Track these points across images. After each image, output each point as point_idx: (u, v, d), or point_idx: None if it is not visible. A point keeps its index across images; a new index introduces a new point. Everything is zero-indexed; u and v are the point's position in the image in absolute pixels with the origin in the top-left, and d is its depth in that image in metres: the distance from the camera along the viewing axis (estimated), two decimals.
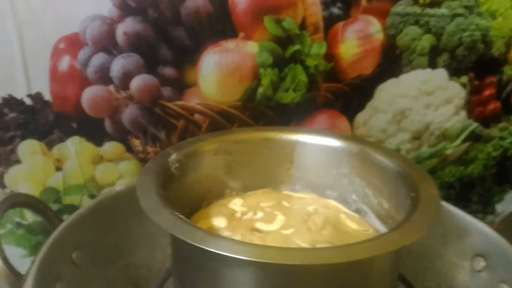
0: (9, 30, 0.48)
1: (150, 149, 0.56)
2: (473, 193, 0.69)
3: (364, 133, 0.62)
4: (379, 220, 0.37)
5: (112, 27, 0.50)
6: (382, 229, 0.36)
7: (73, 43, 0.50)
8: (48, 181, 0.55)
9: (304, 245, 0.30)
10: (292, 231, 0.31)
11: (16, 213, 0.55)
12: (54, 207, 0.56)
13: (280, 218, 0.33)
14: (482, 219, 0.71)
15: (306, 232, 0.31)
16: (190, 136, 0.56)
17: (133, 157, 0.56)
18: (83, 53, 0.51)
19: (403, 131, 0.63)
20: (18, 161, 0.53)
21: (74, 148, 0.54)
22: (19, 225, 0.56)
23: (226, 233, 0.32)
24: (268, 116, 0.57)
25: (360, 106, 0.60)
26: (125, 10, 0.50)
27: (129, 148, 0.56)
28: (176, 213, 0.27)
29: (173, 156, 0.34)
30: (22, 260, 0.57)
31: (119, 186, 0.40)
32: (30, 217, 0.55)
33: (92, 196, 0.57)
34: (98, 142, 0.55)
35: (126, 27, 0.50)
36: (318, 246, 0.30)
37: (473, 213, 0.70)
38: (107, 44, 0.51)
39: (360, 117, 0.61)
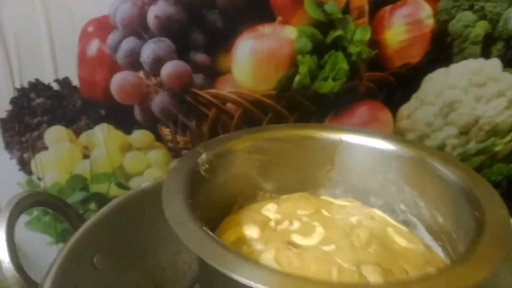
0: (36, 13, 0.46)
1: (179, 138, 0.54)
2: None
3: (408, 126, 0.58)
4: (431, 235, 0.33)
5: (143, 10, 0.48)
6: (434, 245, 0.32)
7: (102, 26, 0.48)
8: (75, 168, 0.54)
9: (347, 266, 0.26)
10: (333, 247, 0.28)
11: None
12: (81, 195, 0.55)
13: (319, 231, 0.29)
14: None
15: (349, 249, 0.28)
16: (221, 125, 0.54)
17: (162, 146, 0.55)
18: (112, 37, 0.49)
19: (450, 125, 0.59)
20: (45, 148, 0.52)
21: (102, 135, 0.53)
22: (45, 212, 0.55)
23: (258, 246, 0.28)
24: (304, 106, 0.54)
25: (405, 98, 0.56)
26: None
27: (158, 137, 0.54)
28: (205, 228, 0.24)
29: (203, 156, 0.31)
30: (48, 248, 0.56)
31: (146, 183, 0.37)
32: None
33: (119, 185, 0.56)
34: (127, 130, 0.53)
35: (158, 9, 0.48)
36: (363, 267, 0.26)
37: None
38: (138, 27, 0.48)
39: (405, 109, 0.57)
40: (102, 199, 0.56)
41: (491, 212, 0.26)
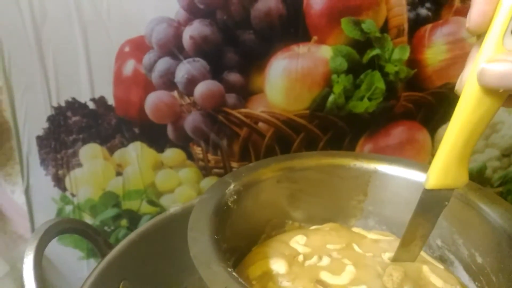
0: (74, 32, 0.47)
1: (211, 157, 0.54)
2: None
3: None
4: (468, 275, 0.31)
5: (179, 30, 0.48)
6: (471, 285, 0.30)
7: (138, 46, 0.49)
8: (108, 185, 0.55)
9: None
10: None
11: (74, 214, 0.55)
12: (113, 211, 0.56)
13: (349, 270, 0.28)
14: None
15: None
16: (252, 145, 0.53)
17: (194, 164, 0.55)
18: (148, 57, 0.49)
19: (492, 147, 0.58)
20: (79, 165, 0.53)
21: (136, 153, 0.53)
22: None
23: (285, 283, 0.28)
24: (338, 126, 0.53)
25: (444, 118, 0.55)
26: (193, 13, 0.47)
27: (190, 156, 0.54)
28: (230, 269, 0.23)
29: (231, 187, 0.30)
30: (79, 262, 0.57)
31: (174, 207, 0.37)
32: (88, 220, 0.55)
33: (151, 202, 0.56)
34: (160, 148, 0.54)
35: (193, 30, 0.48)
36: None
37: None
38: (173, 48, 0.49)
39: (443, 130, 0.55)
40: (133, 216, 0.57)
41: None
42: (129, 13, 0.47)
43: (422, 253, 0.32)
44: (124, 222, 0.57)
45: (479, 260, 0.30)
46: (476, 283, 0.30)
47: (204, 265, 0.23)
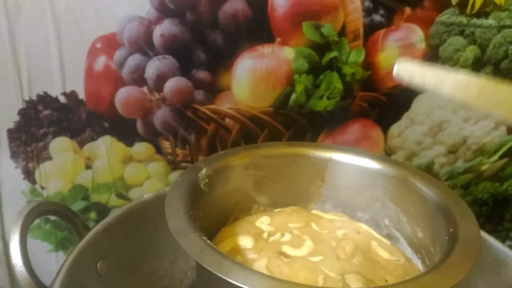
0: (47, 28, 0.48)
1: (179, 151, 0.56)
2: (506, 210, 0.67)
3: (398, 145, 0.60)
4: (412, 249, 0.35)
5: (150, 29, 0.50)
6: (414, 258, 0.35)
7: (109, 43, 0.50)
8: (78, 178, 0.56)
9: (333, 275, 0.28)
10: (320, 258, 0.30)
11: None
12: (82, 204, 0.57)
13: (308, 244, 0.32)
14: None
15: (335, 260, 0.30)
16: (220, 140, 0.56)
17: (162, 158, 0.56)
18: (119, 54, 0.51)
19: (439, 144, 0.61)
20: (49, 158, 0.54)
21: (105, 147, 0.55)
22: (46, 220, 0.57)
23: (252, 255, 0.31)
24: (299, 123, 0.56)
25: (396, 117, 0.58)
26: (163, 12, 0.49)
27: (159, 150, 0.56)
28: (204, 237, 0.26)
29: (203, 172, 0.33)
30: (48, 255, 0.58)
31: (147, 194, 0.40)
32: None
33: (119, 195, 0.57)
34: (129, 142, 0.55)
35: (163, 29, 0.50)
36: (347, 277, 0.28)
37: (505, 231, 0.69)
38: (144, 45, 0.51)
39: (395, 128, 0.59)
40: (102, 209, 0.57)
41: (464, 228, 0.28)
42: (102, 10, 0.49)
43: (372, 232, 0.36)
44: (92, 215, 0.58)
45: (420, 234, 0.34)
46: (418, 255, 0.34)
47: (181, 235, 0.26)
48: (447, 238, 0.28)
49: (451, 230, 0.28)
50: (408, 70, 0.26)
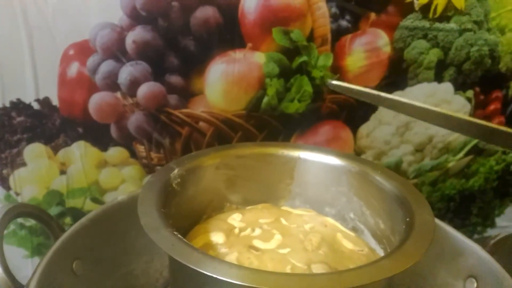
0: (20, 35, 0.49)
1: (154, 155, 0.57)
2: (473, 206, 0.70)
3: (367, 145, 0.62)
4: (375, 240, 0.37)
5: (122, 35, 0.51)
6: (377, 248, 0.37)
7: (82, 50, 0.51)
8: (52, 184, 0.56)
9: (300, 265, 0.30)
10: (288, 250, 0.32)
11: None
12: (57, 209, 0.57)
13: (277, 237, 0.33)
14: (481, 232, 0.71)
15: (302, 252, 0.32)
16: (194, 143, 0.57)
17: (137, 162, 0.57)
18: (92, 60, 0.51)
19: (406, 143, 0.63)
20: (23, 164, 0.54)
21: (79, 152, 0.55)
22: (21, 226, 0.57)
23: (223, 250, 0.32)
24: (272, 125, 0.58)
25: (364, 118, 0.60)
26: (136, 19, 0.50)
27: (133, 154, 0.57)
28: (175, 232, 0.27)
29: (175, 172, 0.35)
30: (23, 261, 0.58)
31: (121, 196, 0.41)
32: None
33: (95, 200, 0.58)
34: (103, 147, 0.56)
35: (136, 35, 0.51)
36: (313, 266, 0.30)
37: (472, 226, 0.71)
38: (116, 51, 0.51)
39: (364, 129, 0.61)
40: (77, 214, 0.57)
41: (419, 217, 0.30)
42: (74, 18, 0.49)
43: (338, 225, 0.38)
44: (68, 220, 0.58)
45: (382, 226, 0.36)
46: (381, 245, 0.36)
47: (153, 230, 0.27)
48: (404, 227, 0.30)
49: (408, 219, 0.30)
50: (340, 89, 0.27)
